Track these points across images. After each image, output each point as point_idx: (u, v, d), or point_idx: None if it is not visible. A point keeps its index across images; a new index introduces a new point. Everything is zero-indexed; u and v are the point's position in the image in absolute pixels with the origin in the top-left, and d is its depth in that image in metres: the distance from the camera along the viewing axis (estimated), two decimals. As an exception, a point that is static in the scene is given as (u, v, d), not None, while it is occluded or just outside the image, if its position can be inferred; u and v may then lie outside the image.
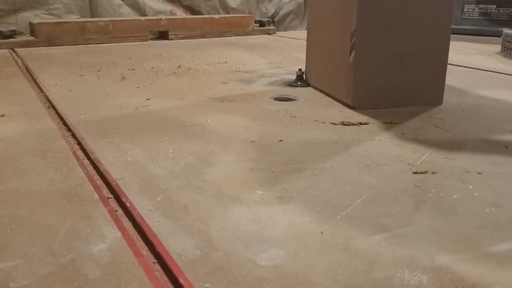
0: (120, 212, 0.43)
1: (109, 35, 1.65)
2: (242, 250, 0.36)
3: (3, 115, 0.73)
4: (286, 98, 0.85)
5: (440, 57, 0.79)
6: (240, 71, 1.11)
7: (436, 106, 0.79)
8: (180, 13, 2.11)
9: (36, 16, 1.79)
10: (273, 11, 2.30)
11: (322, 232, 0.39)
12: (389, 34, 0.75)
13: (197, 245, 0.37)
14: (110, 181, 0.48)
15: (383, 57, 0.76)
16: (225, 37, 1.88)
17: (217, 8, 2.22)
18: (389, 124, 0.69)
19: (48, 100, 0.83)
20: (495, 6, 1.94)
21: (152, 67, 1.16)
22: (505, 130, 0.66)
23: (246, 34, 1.95)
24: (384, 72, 0.77)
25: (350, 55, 0.76)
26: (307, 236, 0.38)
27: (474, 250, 0.36)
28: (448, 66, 1.20)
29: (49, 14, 1.82)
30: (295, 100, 0.84)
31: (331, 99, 0.84)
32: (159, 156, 0.56)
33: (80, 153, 0.58)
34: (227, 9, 2.25)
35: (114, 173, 0.50)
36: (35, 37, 1.55)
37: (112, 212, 0.42)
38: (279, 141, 0.61)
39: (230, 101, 0.82)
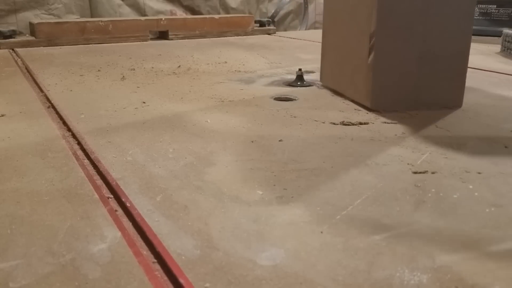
0: (120, 212, 0.43)
1: (109, 35, 1.65)
2: (242, 250, 0.36)
3: (3, 115, 0.73)
4: (286, 98, 0.85)
5: (461, 60, 0.77)
6: (240, 71, 1.11)
7: (455, 109, 0.78)
8: (180, 13, 2.11)
9: (36, 16, 1.79)
10: (273, 11, 2.30)
11: (322, 232, 0.39)
12: (409, 36, 0.74)
13: (197, 245, 0.37)
14: (110, 181, 0.48)
15: (403, 59, 0.75)
16: (225, 37, 1.88)
17: (217, 8, 2.22)
18: (389, 124, 0.69)
19: (48, 100, 0.83)
20: (495, 6, 1.94)
21: (152, 67, 1.16)
22: (505, 130, 0.66)
23: (246, 34, 1.95)
24: (403, 74, 0.76)
25: (369, 56, 0.75)
26: (307, 236, 0.38)
27: (474, 250, 0.36)
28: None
29: (49, 14, 1.82)
30: (295, 100, 0.84)
31: (332, 99, 0.84)
32: (159, 156, 0.56)
33: (80, 153, 0.58)
34: (227, 9, 2.25)
35: (114, 173, 0.50)
36: (35, 37, 1.55)
37: (112, 212, 0.42)
38: (279, 141, 0.61)
39: (230, 101, 0.82)
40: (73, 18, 1.84)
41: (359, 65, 0.79)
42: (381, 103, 0.76)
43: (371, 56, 0.74)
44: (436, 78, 0.77)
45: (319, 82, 0.97)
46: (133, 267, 0.34)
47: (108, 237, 0.38)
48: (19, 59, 1.30)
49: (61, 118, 0.72)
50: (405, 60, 0.75)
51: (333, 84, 0.91)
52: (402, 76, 0.76)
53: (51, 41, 1.56)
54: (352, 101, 0.82)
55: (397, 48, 0.74)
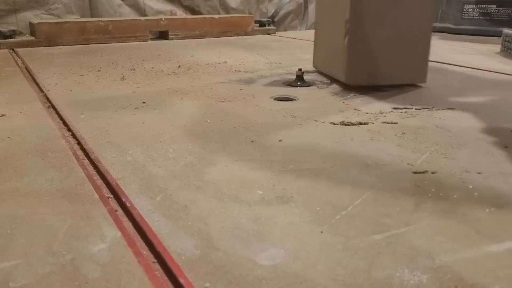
0: (120, 212, 0.43)
1: (109, 35, 1.65)
2: (242, 249, 0.36)
3: (3, 115, 0.73)
4: (286, 98, 0.85)
5: (424, 43, 0.91)
6: (240, 71, 1.11)
7: (421, 84, 0.93)
8: (180, 13, 2.11)
9: (36, 16, 1.79)
10: (273, 11, 2.30)
11: (322, 232, 0.39)
12: (379, 21, 0.88)
13: (197, 245, 0.37)
14: (110, 181, 0.48)
15: (373, 41, 0.88)
16: (225, 37, 1.88)
17: (217, 8, 2.22)
18: (389, 124, 0.69)
19: (48, 100, 0.83)
20: (495, 6, 1.94)
21: (152, 67, 1.16)
22: (505, 130, 0.66)
23: (246, 34, 1.95)
24: (374, 54, 0.89)
25: (345, 39, 0.89)
26: (307, 236, 0.38)
27: (474, 250, 0.36)
28: (448, 66, 1.21)
29: (49, 14, 1.82)
30: (295, 100, 0.84)
31: (332, 99, 0.84)
32: (159, 156, 0.56)
33: (80, 153, 0.58)
34: (227, 9, 2.25)
35: (114, 173, 0.50)
36: (35, 37, 1.56)
37: (112, 212, 0.42)
38: (279, 141, 0.61)
39: (230, 101, 0.82)
40: (73, 18, 1.84)
41: (339, 47, 0.93)
42: (355, 78, 0.90)
43: (346, 39, 0.89)
44: (403, 58, 0.90)
45: (318, 82, 0.97)
46: (133, 267, 0.34)
47: (108, 237, 0.38)
48: (19, 59, 1.30)
49: (61, 118, 0.72)
50: (376, 42, 0.89)
51: (322, 67, 1.07)
52: (373, 56, 0.89)
53: (51, 41, 1.56)
54: (333, 79, 0.98)
55: (368, 32, 0.88)
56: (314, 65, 1.11)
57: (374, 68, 0.89)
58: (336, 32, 0.93)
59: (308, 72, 1.07)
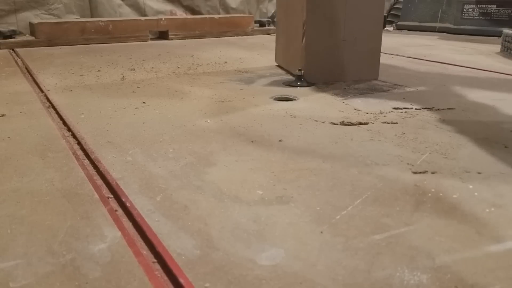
0: (120, 212, 0.43)
1: (109, 35, 1.65)
2: (242, 249, 0.36)
3: (3, 115, 0.73)
4: (286, 98, 0.85)
5: (375, 42, 0.99)
6: (240, 71, 1.11)
7: (373, 81, 0.99)
8: (180, 13, 2.11)
9: (36, 16, 1.79)
10: (273, 11, 2.29)
11: (322, 232, 0.39)
12: (333, 23, 0.95)
13: (197, 245, 0.37)
14: (110, 181, 0.48)
15: (329, 42, 0.96)
16: (225, 37, 1.88)
17: (217, 8, 2.22)
18: (389, 124, 0.69)
19: (48, 100, 0.83)
20: (495, 6, 1.94)
21: (152, 67, 1.16)
22: (505, 130, 0.66)
23: (246, 34, 1.95)
24: (330, 54, 0.97)
25: (302, 40, 0.95)
26: (307, 236, 0.38)
27: (474, 250, 0.36)
28: (448, 66, 1.21)
29: (49, 14, 1.82)
30: (295, 100, 0.84)
31: (332, 99, 0.84)
32: (159, 156, 0.56)
33: (80, 153, 0.58)
34: (227, 9, 2.25)
35: (114, 173, 0.50)
36: (35, 37, 1.56)
37: (112, 212, 0.42)
38: (279, 141, 0.61)
39: (230, 101, 0.82)
40: (73, 18, 1.84)
41: (297, 47, 0.99)
42: (313, 76, 0.96)
43: (304, 40, 0.95)
44: (356, 56, 0.98)
45: (319, 82, 0.97)
46: (133, 267, 0.34)
47: (108, 237, 0.38)
48: (19, 59, 1.30)
49: (61, 118, 0.72)
50: (330, 42, 0.96)
51: (283, 63, 1.13)
52: (329, 55, 0.97)
53: (51, 41, 1.56)
54: (293, 75, 1.02)
55: (323, 33, 0.95)
56: (276, 61, 1.18)
57: (330, 66, 0.97)
58: (294, 31, 1.00)
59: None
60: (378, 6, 0.98)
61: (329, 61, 0.97)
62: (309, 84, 0.96)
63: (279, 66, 1.15)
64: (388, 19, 2.43)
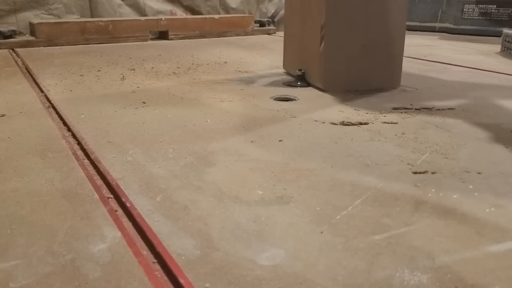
0: (120, 212, 0.43)
1: (109, 35, 1.65)
2: (242, 250, 0.36)
3: (3, 115, 0.73)
4: (286, 98, 0.85)
5: (397, 47, 0.92)
6: (240, 71, 1.11)
7: (394, 89, 0.92)
8: (180, 13, 2.11)
9: (36, 16, 1.78)
10: (273, 11, 2.30)
11: (322, 232, 0.39)
12: (353, 27, 0.88)
13: (197, 245, 0.37)
14: (110, 181, 0.48)
15: (348, 47, 0.89)
16: (225, 37, 1.88)
17: (217, 8, 2.22)
18: (389, 124, 0.69)
19: (48, 100, 0.83)
20: (495, 6, 1.94)
21: (152, 67, 1.16)
22: (505, 130, 0.66)
23: (246, 34, 1.95)
24: (349, 60, 0.89)
25: (320, 45, 0.88)
26: (307, 236, 0.38)
27: (474, 250, 0.36)
28: (448, 66, 1.21)
29: (49, 14, 1.82)
30: (295, 100, 0.84)
31: (332, 99, 0.84)
32: (159, 156, 0.56)
33: (80, 153, 0.58)
34: (227, 9, 2.25)
35: (114, 173, 0.50)
36: (35, 37, 1.55)
37: (112, 212, 0.42)
38: (279, 141, 0.61)
39: (230, 101, 0.82)
40: (73, 18, 1.84)
41: (312, 52, 0.92)
42: (332, 84, 0.90)
43: (322, 44, 0.88)
44: (377, 63, 0.91)
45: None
46: (133, 267, 0.34)
47: (108, 237, 0.38)
48: (19, 59, 1.30)
49: (61, 118, 0.72)
50: (350, 47, 0.89)
51: (292, 69, 1.03)
52: (348, 61, 0.90)
53: (51, 41, 1.56)
54: (308, 84, 0.96)
55: (343, 38, 0.88)
56: (284, 68, 1.09)
57: (350, 73, 0.89)
58: (309, 35, 0.93)
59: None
60: (401, 9, 0.90)
61: (349, 68, 0.90)
62: (309, 84, 0.96)
63: (288, 73, 1.07)
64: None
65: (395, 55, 0.92)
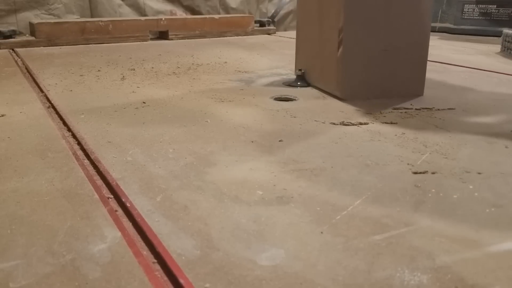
0: (120, 212, 0.43)
1: (109, 35, 1.65)
2: (242, 250, 0.36)
3: (3, 115, 0.73)
4: (286, 98, 0.85)
5: (421, 52, 0.85)
6: (240, 71, 1.11)
7: (417, 97, 0.85)
8: (180, 13, 2.11)
9: (36, 16, 1.78)
10: (273, 11, 2.30)
11: (322, 232, 0.39)
12: (373, 30, 0.81)
13: (197, 245, 0.37)
14: (110, 181, 0.48)
15: (368, 52, 0.82)
16: (225, 37, 1.88)
17: (217, 8, 2.22)
18: (389, 124, 0.69)
19: (48, 100, 0.83)
20: (495, 6, 1.94)
21: (152, 67, 1.16)
22: (505, 130, 0.66)
23: (246, 34, 1.95)
24: (369, 66, 0.83)
25: (338, 50, 0.82)
26: (307, 236, 0.38)
27: (474, 250, 0.36)
28: (448, 66, 1.21)
29: (49, 14, 1.82)
30: (295, 100, 0.84)
31: (332, 99, 0.84)
32: (159, 156, 0.56)
33: (80, 153, 0.58)
34: (227, 9, 2.25)
35: (114, 173, 0.50)
36: (35, 37, 1.55)
37: (112, 212, 0.42)
38: (279, 141, 0.61)
39: (230, 101, 0.82)
40: (73, 18, 1.84)
41: (329, 58, 0.86)
42: (350, 92, 0.83)
43: (340, 49, 0.81)
44: (399, 69, 0.84)
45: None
46: (133, 267, 0.34)
47: (108, 237, 0.38)
48: (19, 59, 1.30)
49: (61, 118, 0.72)
50: (371, 52, 0.82)
51: (307, 76, 0.97)
52: (368, 67, 0.83)
53: (51, 41, 1.56)
54: (323, 91, 0.89)
55: (363, 42, 0.81)
56: (296, 73, 1.00)
57: (369, 81, 0.83)
58: (324, 40, 0.86)
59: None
60: (425, 10, 0.83)
61: (369, 75, 0.83)
62: (309, 84, 0.96)
63: (299, 77, 0.98)
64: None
65: (419, 60, 0.85)
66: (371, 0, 0.80)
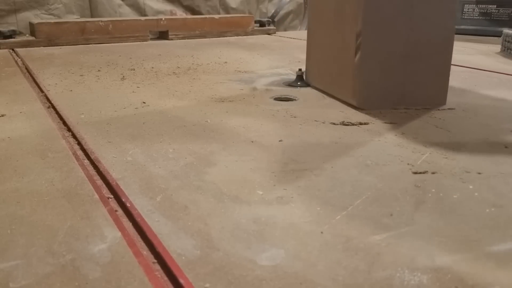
0: (120, 212, 0.43)
1: (109, 35, 1.65)
2: (242, 250, 0.36)
3: (3, 115, 0.73)
4: (286, 98, 0.85)
5: (444, 58, 0.78)
6: (240, 71, 1.11)
7: (440, 106, 0.79)
8: (180, 13, 2.11)
9: (36, 16, 1.79)
10: (273, 11, 2.30)
11: (322, 232, 0.39)
12: (394, 34, 0.75)
13: (197, 245, 0.37)
14: (110, 181, 0.48)
15: (388, 58, 0.76)
16: (225, 37, 1.88)
17: (217, 8, 2.22)
18: (389, 124, 0.69)
19: (48, 100, 0.83)
20: (495, 6, 1.94)
21: (152, 67, 1.16)
22: (505, 130, 0.66)
23: (246, 34, 1.95)
24: (388, 73, 0.76)
25: (355, 56, 0.75)
26: (307, 236, 0.38)
27: (474, 250, 0.36)
28: (448, 66, 1.20)
29: (49, 14, 1.82)
30: (295, 100, 0.84)
31: (332, 99, 0.84)
32: (159, 156, 0.56)
33: (80, 153, 0.58)
34: (227, 9, 2.25)
35: (114, 173, 0.50)
36: (35, 37, 1.55)
37: (112, 212, 0.42)
38: (279, 141, 0.61)
39: (230, 101, 0.82)
40: (73, 18, 1.84)
41: (345, 64, 0.79)
42: (367, 101, 0.77)
43: (358, 55, 0.75)
44: (420, 76, 0.77)
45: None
46: (133, 267, 0.34)
47: (108, 237, 0.38)
48: (19, 59, 1.30)
49: (61, 118, 0.72)
50: (390, 58, 0.76)
51: (319, 83, 0.91)
52: (388, 74, 0.76)
53: (51, 41, 1.56)
54: (338, 99, 0.83)
55: (382, 47, 0.75)
56: (307, 81, 0.96)
57: (389, 88, 0.77)
58: (340, 45, 0.80)
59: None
60: (450, 11, 0.76)
61: (388, 82, 0.76)
62: (309, 84, 0.95)
63: (313, 86, 0.94)
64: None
65: (442, 66, 0.78)
66: (391, 2, 0.74)
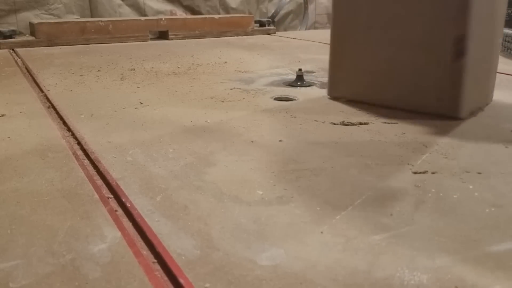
0: (120, 212, 0.43)
1: (109, 35, 1.65)
2: (242, 250, 0.36)
3: (3, 115, 0.73)
4: (286, 98, 0.85)
5: (496, 60, 0.78)
6: (240, 71, 1.11)
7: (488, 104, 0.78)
8: (180, 13, 2.11)
9: (36, 16, 1.79)
10: (273, 11, 2.30)
11: (322, 232, 0.39)
12: (488, 36, 0.72)
13: (197, 245, 0.37)
14: (110, 181, 0.48)
15: (483, 62, 0.72)
16: (225, 37, 1.88)
17: (217, 8, 2.22)
18: (389, 124, 0.69)
19: (48, 100, 0.83)
20: (495, 6, 1.93)
21: (152, 67, 1.16)
22: (505, 130, 0.66)
23: (246, 34, 1.95)
24: (476, 78, 0.72)
25: (455, 61, 0.68)
26: (307, 236, 0.38)
27: (474, 250, 0.36)
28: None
29: (49, 14, 1.82)
30: (295, 100, 0.84)
31: (331, 100, 0.83)
32: (159, 156, 0.56)
33: (80, 153, 0.58)
34: (227, 9, 2.25)
35: (114, 173, 0.50)
36: (35, 37, 1.55)
37: (112, 212, 0.42)
38: (279, 141, 0.61)
39: (230, 101, 0.82)
40: (73, 18, 1.84)
41: (427, 74, 0.71)
42: (464, 109, 0.70)
43: (462, 61, 0.68)
44: (482, 79, 0.75)
45: (318, 82, 0.97)
46: (133, 267, 0.34)
47: (108, 237, 0.38)
48: (19, 59, 1.30)
49: (61, 118, 0.72)
50: (483, 62, 0.72)
51: (364, 95, 0.80)
52: (476, 80, 0.71)
53: (51, 41, 1.56)
54: (404, 110, 0.75)
55: (482, 51, 0.71)
56: (332, 93, 0.84)
57: (473, 96, 0.72)
58: (415, 49, 0.72)
59: (308, 72, 1.08)
60: (503, 15, 0.74)
61: (475, 89, 0.71)
62: (309, 84, 0.96)
63: (338, 99, 0.82)
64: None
65: (493, 67, 0.77)
66: (486, 7, 0.70)
